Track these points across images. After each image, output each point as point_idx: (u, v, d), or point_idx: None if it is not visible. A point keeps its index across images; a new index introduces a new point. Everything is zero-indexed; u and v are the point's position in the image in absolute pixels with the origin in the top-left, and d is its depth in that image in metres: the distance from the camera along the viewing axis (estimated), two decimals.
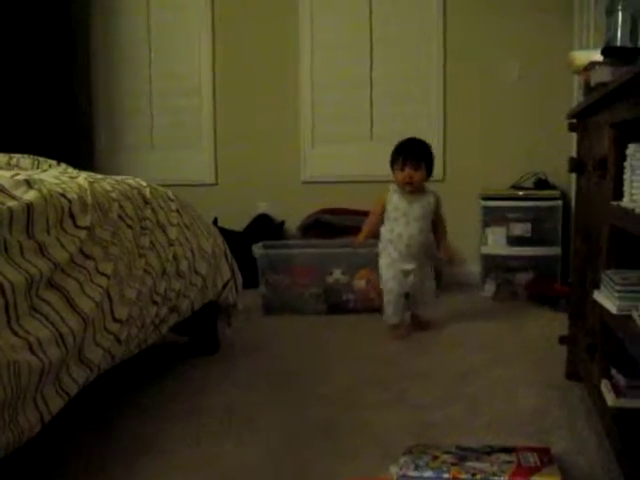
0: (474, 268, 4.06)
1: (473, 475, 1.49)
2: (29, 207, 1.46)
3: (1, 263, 1.33)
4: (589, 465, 1.65)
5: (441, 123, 4.30)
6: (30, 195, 1.51)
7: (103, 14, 4.65)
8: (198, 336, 2.68)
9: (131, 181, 2.18)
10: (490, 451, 1.62)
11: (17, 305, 1.34)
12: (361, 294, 3.42)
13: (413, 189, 2.98)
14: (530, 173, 4.06)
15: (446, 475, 1.50)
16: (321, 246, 3.66)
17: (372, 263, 3.14)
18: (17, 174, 1.72)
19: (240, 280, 2.79)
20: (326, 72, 4.41)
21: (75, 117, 4.56)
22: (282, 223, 4.43)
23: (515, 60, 4.19)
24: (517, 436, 1.82)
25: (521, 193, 3.95)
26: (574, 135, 2.39)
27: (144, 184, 2.22)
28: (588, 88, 1.99)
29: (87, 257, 1.65)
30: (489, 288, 3.87)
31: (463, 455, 1.59)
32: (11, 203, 1.42)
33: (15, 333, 1.32)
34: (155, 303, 2.03)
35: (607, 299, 1.54)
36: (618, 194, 1.57)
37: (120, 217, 1.92)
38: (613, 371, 1.65)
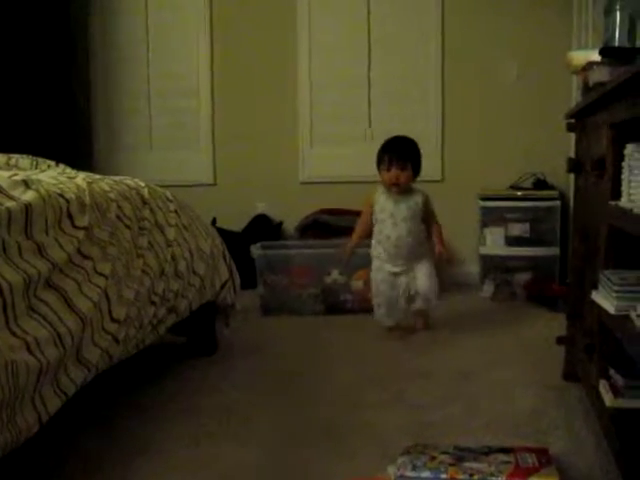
0: (473, 268, 4.07)
1: (471, 475, 1.49)
2: (27, 207, 1.46)
3: None
4: (587, 466, 1.65)
5: (439, 123, 4.31)
6: (28, 195, 1.50)
7: (102, 14, 4.64)
8: (196, 337, 2.68)
9: (129, 181, 2.18)
10: (488, 451, 1.62)
11: (15, 305, 1.34)
12: (359, 294, 3.42)
13: (400, 190, 2.90)
14: (529, 173, 4.06)
15: (444, 475, 1.50)
16: (319, 246, 3.65)
17: (370, 264, 3.13)
18: (15, 174, 1.72)
19: (238, 280, 2.79)
20: (324, 72, 4.41)
21: (74, 117, 4.55)
22: (280, 224, 4.43)
23: (514, 60, 4.19)
24: (515, 436, 1.82)
25: (519, 193, 3.95)
26: (573, 135, 2.39)
27: (142, 184, 2.22)
28: (586, 88, 1.99)
29: (85, 257, 1.65)
30: (488, 288, 3.87)
31: (461, 455, 1.59)
32: (9, 204, 1.42)
33: (13, 333, 1.32)
34: (153, 303, 2.03)
35: (605, 299, 1.54)
36: (616, 194, 1.57)
37: (118, 217, 1.92)
38: (611, 371, 1.65)
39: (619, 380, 1.59)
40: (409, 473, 1.52)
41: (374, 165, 2.97)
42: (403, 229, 2.87)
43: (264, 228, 4.32)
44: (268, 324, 3.28)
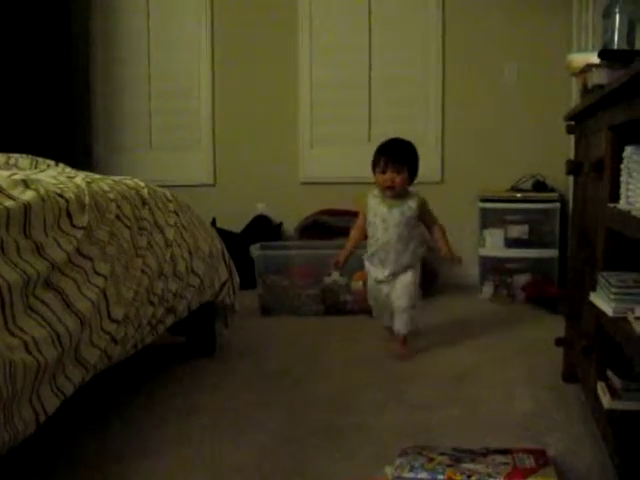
0: (472, 270, 4.07)
1: (468, 477, 1.49)
2: (26, 207, 1.46)
3: None
4: (585, 467, 1.65)
5: (439, 125, 4.31)
6: (27, 195, 1.51)
7: (102, 14, 4.65)
8: (195, 337, 2.68)
9: (129, 181, 2.18)
10: (486, 453, 1.62)
11: (13, 305, 1.34)
12: (358, 295, 3.41)
13: (395, 193, 2.75)
14: (528, 175, 4.07)
15: (441, 477, 1.50)
16: (319, 247, 3.66)
17: None
18: (15, 174, 1.72)
19: (237, 281, 2.79)
20: (325, 73, 4.42)
21: (74, 117, 4.56)
22: (280, 224, 4.43)
23: (514, 62, 4.19)
24: (514, 438, 1.82)
25: (519, 195, 3.95)
26: (572, 137, 2.39)
27: (142, 184, 2.22)
28: (585, 90, 2.00)
29: (84, 257, 1.65)
30: (487, 290, 3.88)
31: (459, 457, 1.59)
32: (8, 203, 1.42)
33: (11, 333, 1.32)
34: (152, 303, 2.03)
35: (603, 301, 1.54)
36: (615, 196, 1.57)
37: (118, 217, 1.92)
38: (609, 373, 1.65)
39: (617, 382, 1.59)
40: (406, 474, 1.52)
41: None
42: (394, 235, 2.72)
43: (264, 229, 4.32)
44: (267, 325, 3.28)
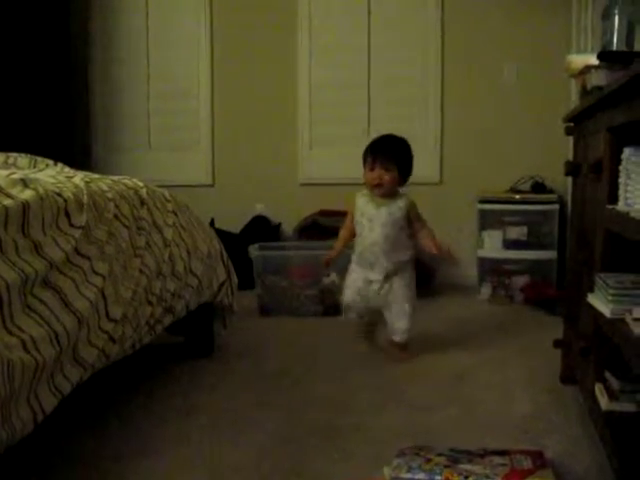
0: (470, 271, 4.07)
1: (466, 478, 1.49)
2: (25, 206, 1.46)
3: None
4: (583, 469, 1.65)
5: (439, 126, 4.32)
6: (26, 194, 1.51)
7: (101, 15, 4.65)
8: (194, 337, 2.68)
9: (128, 181, 2.18)
10: (483, 454, 1.62)
11: (12, 303, 1.34)
12: None
13: (383, 192, 2.62)
14: (527, 176, 4.07)
15: (439, 477, 1.50)
16: (317, 248, 3.65)
17: None
18: (13, 173, 1.72)
19: (236, 281, 2.79)
20: (324, 74, 4.42)
21: (72, 117, 4.55)
22: (279, 225, 4.43)
23: (513, 63, 4.20)
24: (511, 439, 1.82)
25: (518, 196, 3.95)
26: (571, 139, 2.39)
27: (141, 184, 2.22)
28: (584, 92, 2.00)
29: (82, 256, 1.65)
30: (485, 291, 3.88)
31: (456, 457, 1.59)
32: (7, 202, 1.42)
33: (9, 332, 1.32)
34: (150, 303, 2.03)
35: (601, 302, 1.54)
36: (613, 198, 1.57)
37: (116, 217, 1.92)
38: (607, 374, 1.65)
39: (615, 383, 1.60)
40: (404, 475, 1.53)
41: None
42: (380, 235, 2.59)
43: (262, 229, 4.32)
44: (266, 325, 3.28)
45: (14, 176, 1.59)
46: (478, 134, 4.27)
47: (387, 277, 2.63)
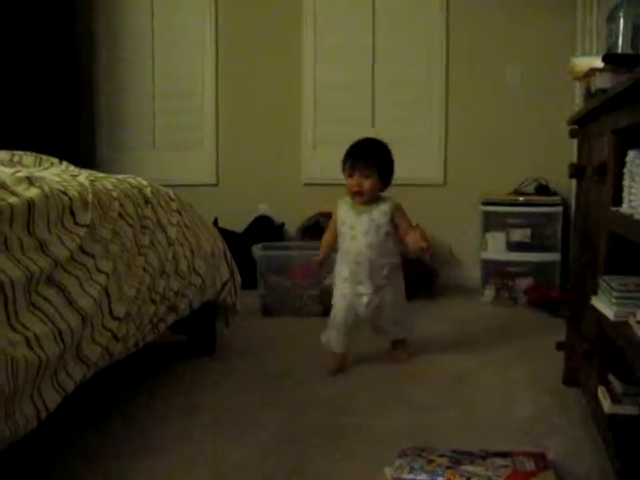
0: (474, 273, 4.07)
1: (468, 479, 1.49)
2: (30, 204, 1.46)
3: (1, 259, 1.33)
4: (585, 471, 1.65)
5: (443, 127, 4.31)
6: (31, 192, 1.51)
7: (106, 15, 4.66)
8: (196, 336, 2.68)
9: (132, 180, 2.18)
10: (485, 455, 1.62)
11: (16, 301, 1.34)
12: None
13: (363, 200, 2.50)
14: (531, 178, 4.06)
15: (440, 478, 1.50)
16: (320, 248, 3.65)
17: None
18: (19, 171, 1.73)
19: (239, 281, 2.80)
20: (329, 74, 4.43)
21: (78, 116, 4.57)
22: (282, 225, 4.43)
23: (518, 65, 4.19)
24: (513, 441, 1.82)
25: (522, 199, 3.95)
26: (575, 141, 2.39)
27: (145, 183, 2.23)
28: (589, 94, 2.00)
29: (87, 255, 1.66)
30: (489, 293, 3.88)
31: (458, 459, 1.59)
32: (12, 200, 1.42)
33: (14, 329, 1.32)
34: (153, 302, 2.04)
35: (605, 305, 1.54)
36: (617, 200, 1.57)
37: (120, 215, 1.92)
38: (610, 377, 1.65)
39: (618, 386, 1.59)
40: (406, 476, 1.53)
41: None
42: (362, 243, 2.48)
43: (266, 229, 4.33)
44: (268, 325, 3.28)
45: (19, 174, 1.60)
46: (482, 136, 4.27)
47: (377, 289, 2.52)
